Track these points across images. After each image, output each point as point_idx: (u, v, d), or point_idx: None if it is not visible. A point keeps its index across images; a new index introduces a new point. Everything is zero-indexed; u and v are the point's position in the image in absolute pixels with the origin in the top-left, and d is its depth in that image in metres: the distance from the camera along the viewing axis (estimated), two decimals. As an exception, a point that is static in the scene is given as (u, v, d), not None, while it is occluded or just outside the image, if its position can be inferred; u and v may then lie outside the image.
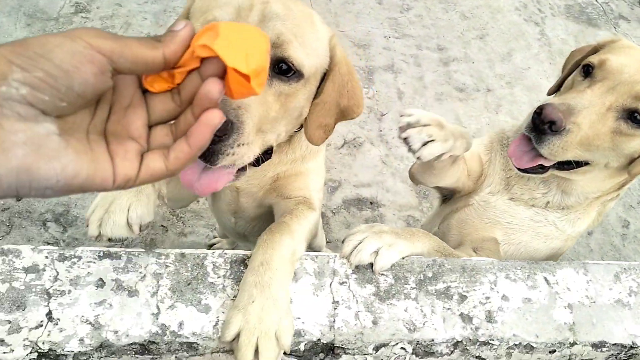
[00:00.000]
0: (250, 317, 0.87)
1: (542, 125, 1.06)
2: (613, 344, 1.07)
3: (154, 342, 0.91)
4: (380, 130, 2.91)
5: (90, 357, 0.90)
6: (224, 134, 0.76)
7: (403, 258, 1.09)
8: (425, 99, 3.12)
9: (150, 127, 0.57)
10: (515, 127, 1.39)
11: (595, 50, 1.24)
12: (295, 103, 0.95)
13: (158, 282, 0.97)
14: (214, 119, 0.53)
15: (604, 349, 1.08)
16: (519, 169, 1.17)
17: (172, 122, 0.58)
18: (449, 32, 3.62)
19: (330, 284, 1.03)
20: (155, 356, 0.93)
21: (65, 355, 0.88)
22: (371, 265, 1.05)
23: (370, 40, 3.48)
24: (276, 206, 1.24)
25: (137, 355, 0.92)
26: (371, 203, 2.57)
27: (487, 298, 1.07)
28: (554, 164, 1.16)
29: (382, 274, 1.06)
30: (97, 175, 0.51)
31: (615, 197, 1.31)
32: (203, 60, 0.53)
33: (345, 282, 1.04)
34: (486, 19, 3.79)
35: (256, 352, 0.86)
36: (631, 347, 1.08)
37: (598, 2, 4.21)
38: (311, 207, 1.17)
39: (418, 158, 1.06)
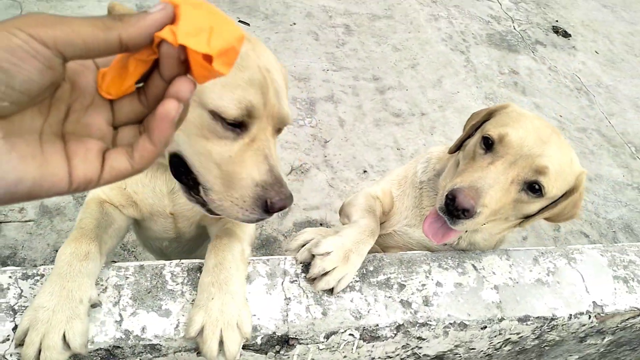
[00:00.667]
0: (212, 312, 0.95)
1: (455, 211, 1.11)
2: (536, 317, 1.22)
3: (118, 347, 0.96)
4: (325, 156, 3.06)
5: (56, 366, 0.94)
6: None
7: None
8: (365, 125, 3.32)
9: (116, 127, 0.53)
10: (428, 171, 1.46)
11: (489, 114, 1.31)
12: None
13: (119, 292, 1.03)
14: (171, 110, 0.49)
15: (529, 322, 1.22)
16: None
17: None
18: (382, 63, 3.88)
19: (282, 283, 1.12)
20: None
21: (32, 367, 0.92)
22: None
23: (310, 73, 3.67)
24: (213, 226, 1.27)
25: (102, 362, 0.97)
26: (321, 224, 2.68)
27: (423, 285, 1.19)
28: None
29: (329, 271, 1.16)
30: (45, 180, 0.47)
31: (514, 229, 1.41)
32: (159, 45, 0.48)
33: (296, 281, 1.14)
34: (416, 50, 4.09)
35: (220, 344, 0.94)
36: (552, 319, 1.23)
37: (516, 30, 4.63)
38: None
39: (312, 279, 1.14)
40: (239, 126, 0.88)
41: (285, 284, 1.12)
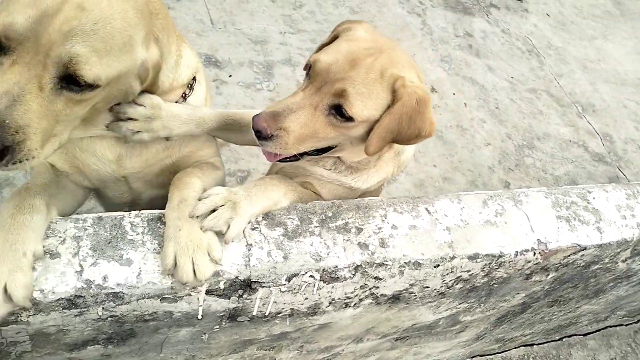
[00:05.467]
0: (181, 240, 1.01)
1: (256, 133, 1.13)
2: (485, 255, 1.29)
3: (80, 296, 0.97)
4: (285, 119, 3.07)
5: (18, 316, 0.94)
6: None
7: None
8: (324, 88, 3.33)
9: None
10: None
11: (335, 37, 1.27)
12: (92, 103, 0.97)
13: (78, 243, 1.03)
14: None
15: (478, 260, 1.29)
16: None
17: None
18: (340, 25, 3.87)
19: (243, 230, 1.15)
20: (83, 309, 0.99)
21: (-8, 319, 0.92)
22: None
23: (267, 36, 3.62)
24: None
25: (64, 310, 0.98)
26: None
27: (380, 228, 1.24)
28: (305, 152, 1.21)
29: (290, 218, 1.20)
30: None
31: (401, 153, 1.38)
32: None
33: (257, 227, 1.16)
34: (374, 13, 4.09)
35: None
36: (499, 256, 1.31)
37: (471, -7, 4.69)
38: (216, 166, 1.29)
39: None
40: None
41: (247, 231, 1.15)
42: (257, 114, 1.13)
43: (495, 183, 3.10)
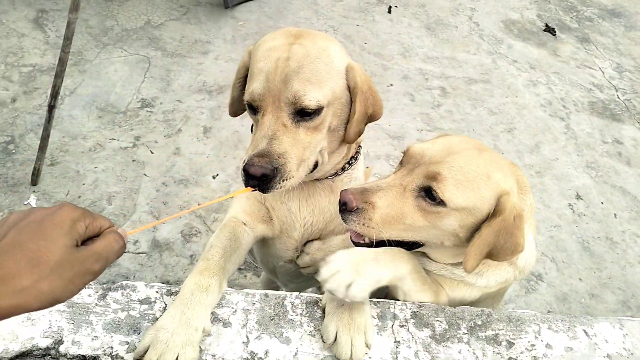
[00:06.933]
0: (343, 317, 1.10)
1: (341, 207, 1.15)
2: (653, 394, 1.16)
3: (244, 367, 1.06)
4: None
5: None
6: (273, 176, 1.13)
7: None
8: (459, 185, 3.33)
9: None
10: None
11: None
12: (325, 125, 1.24)
13: (247, 316, 1.14)
14: None
15: (646, 399, 1.16)
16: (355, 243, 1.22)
17: None
18: (478, 125, 3.92)
19: (392, 326, 1.18)
20: (245, 379, 1.08)
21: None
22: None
23: (404, 132, 3.79)
24: None
25: (229, 378, 1.07)
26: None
27: (532, 345, 1.19)
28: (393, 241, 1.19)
29: (437, 320, 1.20)
30: None
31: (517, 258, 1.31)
32: None
33: (405, 325, 1.19)
34: (513, 115, 4.09)
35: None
36: (671, 398, 1.17)
37: (620, 99, 4.49)
38: None
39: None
40: (255, 110, 1.21)
41: (395, 327, 1.18)
42: (345, 189, 1.17)
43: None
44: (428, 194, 1.12)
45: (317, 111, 1.19)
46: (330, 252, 1.18)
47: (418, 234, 1.17)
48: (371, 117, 1.35)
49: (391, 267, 1.16)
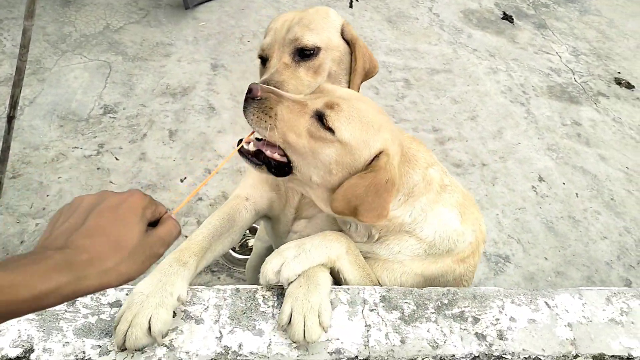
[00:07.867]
0: (298, 297, 1.11)
1: (247, 95, 1.22)
2: (611, 356, 1.23)
3: (218, 361, 1.08)
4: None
5: (166, 374, 1.06)
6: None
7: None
8: (427, 174, 3.40)
9: None
10: None
11: None
12: (325, 69, 1.42)
13: (219, 312, 1.16)
14: None
15: (604, 362, 1.23)
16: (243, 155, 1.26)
17: None
18: (442, 115, 4.00)
19: (362, 311, 1.21)
20: (220, 373, 1.09)
21: (145, 374, 1.04)
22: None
23: (372, 125, 3.83)
24: None
25: (204, 373, 1.08)
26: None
27: (497, 319, 1.24)
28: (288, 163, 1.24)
29: (406, 302, 1.24)
30: None
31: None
32: None
33: (375, 309, 1.22)
34: (475, 102, 4.18)
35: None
36: (628, 358, 1.24)
37: (577, 82, 4.64)
38: None
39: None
40: (265, 61, 1.45)
41: (365, 312, 1.21)
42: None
43: (615, 280, 2.88)
44: (321, 119, 1.16)
45: (315, 52, 1.39)
46: (316, 229, 1.31)
47: (294, 154, 1.18)
48: (368, 73, 1.52)
49: (323, 250, 1.23)
